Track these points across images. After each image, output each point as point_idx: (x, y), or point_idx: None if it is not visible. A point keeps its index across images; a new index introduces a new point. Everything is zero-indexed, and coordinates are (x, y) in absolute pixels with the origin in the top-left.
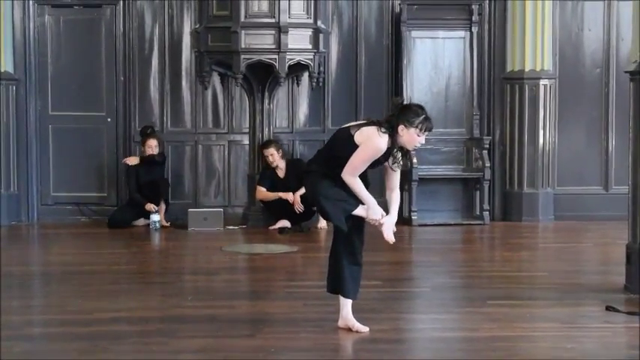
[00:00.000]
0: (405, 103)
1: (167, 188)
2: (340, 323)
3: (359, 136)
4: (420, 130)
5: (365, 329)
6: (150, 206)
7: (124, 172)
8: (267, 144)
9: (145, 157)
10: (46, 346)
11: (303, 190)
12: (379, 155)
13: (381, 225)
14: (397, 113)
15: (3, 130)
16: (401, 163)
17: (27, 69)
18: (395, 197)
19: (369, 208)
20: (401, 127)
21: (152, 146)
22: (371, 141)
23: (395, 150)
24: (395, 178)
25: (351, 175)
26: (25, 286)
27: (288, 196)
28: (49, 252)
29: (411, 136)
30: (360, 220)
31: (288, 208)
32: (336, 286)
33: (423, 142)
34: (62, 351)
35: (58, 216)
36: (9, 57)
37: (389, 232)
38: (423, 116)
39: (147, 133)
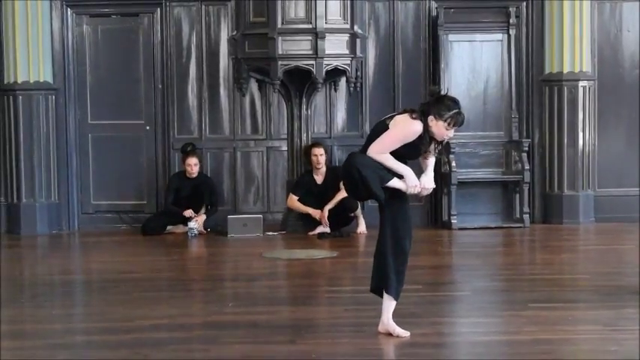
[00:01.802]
0: (441, 93)
1: (212, 189)
2: (381, 328)
3: (392, 124)
4: (449, 124)
5: (406, 334)
6: (188, 212)
7: (164, 182)
8: (318, 143)
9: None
10: (88, 354)
11: (331, 205)
12: (412, 138)
13: (421, 187)
14: (431, 102)
15: (43, 140)
16: (436, 151)
17: (66, 78)
18: (430, 161)
19: (406, 178)
20: (431, 118)
21: (192, 164)
22: (403, 123)
23: (426, 139)
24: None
25: (379, 152)
26: (66, 294)
27: (317, 213)
28: (89, 260)
29: (440, 129)
30: (407, 221)
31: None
32: (380, 283)
33: (452, 135)
34: (104, 359)
35: (99, 224)
36: (48, 67)
37: (419, 188)
38: (455, 111)
39: (187, 150)
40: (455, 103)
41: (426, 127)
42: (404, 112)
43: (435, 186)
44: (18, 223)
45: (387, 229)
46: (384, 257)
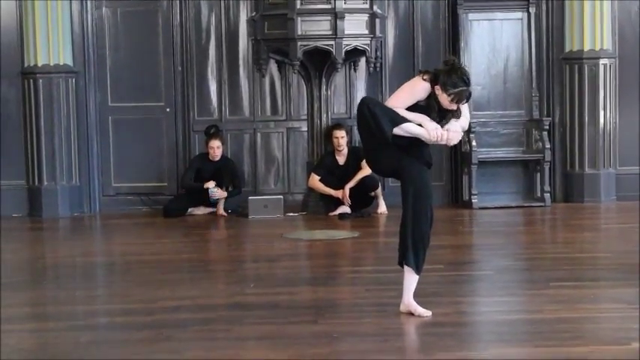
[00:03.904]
0: (455, 65)
1: (233, 172)
2: (402, 308)
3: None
4: (452, 100)
5: (427, 313)
6: (209, 183)
7: (184, 164)
8: (339, 125)
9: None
10: (111, 335)
11: (353, 183)
12: (422, 94)
13: (446, 129)
14: (443, 72)
15: (64, 123)
16: (452, 120)
17: (86, 61)
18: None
19: (424, 124)
20: (437, 87)
21: (214, 147)
22: (414, 80)
23: (433, 102)
24: None
25: (394, 106)
26: (88, 276)
27: (338, 193)
28: (111, 242)
29: (444, 100)
30: (427, 195)
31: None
32: (402, 255)
33: (455, 108)
34: (127, 340)
35: (120, 206)
36: (68, 50)
37: (441, 131)
38: (460, 89)
39: (210, 133)
40: (463, 80)
41: (434, 91)
42: (418, 73)
43: (462, 132)
44: (40, 205)
45: (407, 202)
46: (405, 229)
